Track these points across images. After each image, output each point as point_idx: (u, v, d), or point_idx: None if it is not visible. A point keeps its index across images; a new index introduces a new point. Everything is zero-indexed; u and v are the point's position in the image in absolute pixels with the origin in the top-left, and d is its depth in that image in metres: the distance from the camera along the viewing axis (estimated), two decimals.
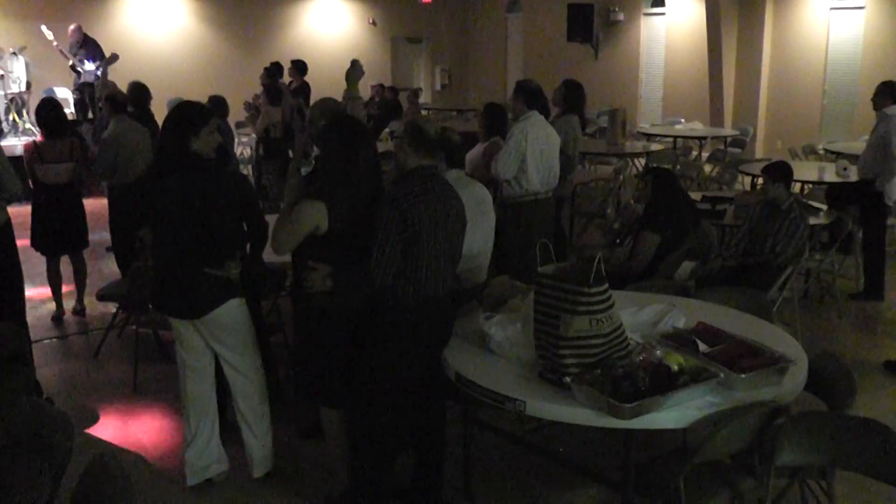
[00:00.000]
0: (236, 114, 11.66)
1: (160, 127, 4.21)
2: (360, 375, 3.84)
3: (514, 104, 6.61)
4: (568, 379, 3.12)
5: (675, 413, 3.03)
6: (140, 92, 8.86)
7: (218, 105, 9.30)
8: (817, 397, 3.60)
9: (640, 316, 3.90)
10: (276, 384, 4.96)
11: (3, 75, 13.97)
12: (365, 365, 3.82)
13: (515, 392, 3.24)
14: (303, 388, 4.12)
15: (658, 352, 3.24)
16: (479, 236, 4.83)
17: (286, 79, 12.72)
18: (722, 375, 3.14)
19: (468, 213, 4.03)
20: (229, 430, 4.66)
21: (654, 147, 12.29)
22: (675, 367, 3.13)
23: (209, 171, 4.07)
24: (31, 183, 7.06)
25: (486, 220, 4.99)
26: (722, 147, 12.78)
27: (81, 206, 7.37)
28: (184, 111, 4.11)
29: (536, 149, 6.29)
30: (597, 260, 3.17)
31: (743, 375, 3.16)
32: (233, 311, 4.17)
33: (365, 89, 15.28)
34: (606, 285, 3.23)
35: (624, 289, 4.69)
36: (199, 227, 4.00)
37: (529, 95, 6.50)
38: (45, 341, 6.92)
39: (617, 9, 17.15)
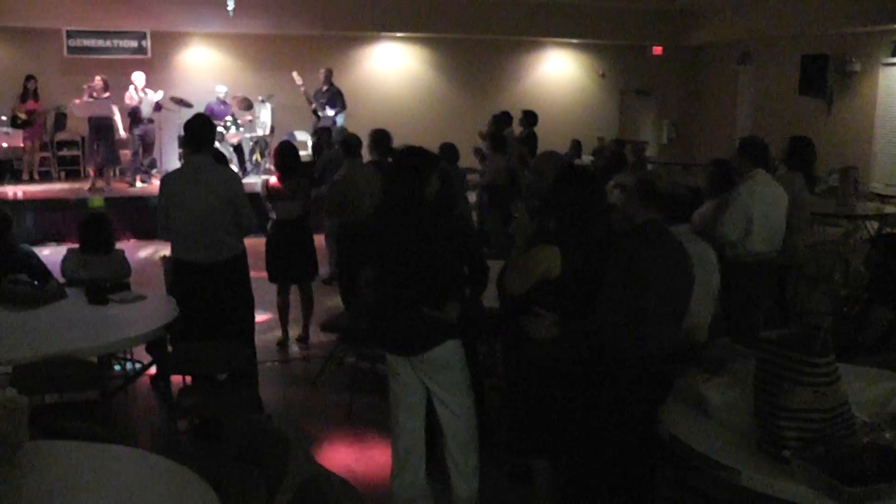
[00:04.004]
0: (465, 159, 11.92)
1: (390, 170, 4.40)
2: (575, 427, 3.83)
3: (739, 161, 6.45)
4: (787, 453, 3.00)
5: None
6: (384, 138, 9.25)
7: (449, 151, 9.62)
8: None
9: (868, 393, 3.68)
10: (488, 426, 5.01)
11: (251, 120, 15.10)
12: (580, 417, 3.80)
13: (730, 460, 3.15)
14: (513, 438, 4.15)
15: (887, 434, 3.05)
16: (701, 295, 4.72)
17: (515, 128, 12.94)
18: None
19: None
20: (437, 468, 4.74)
21: (889, 209, 11.55)
22: None
23: (434, 214, 4.22)
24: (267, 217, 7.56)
25: (710, 278, 4.88)
26: None
27: (311, 241, 7.79)
28: (415, 157, 4.28)
29: (762, 208, 6.11)
30: (823, 329, 3.05)
31: None
32: (449, 351, 4.26)
33: (591, 140, 15.36)
34: (833, 357, 3.09)
35: (851, 362, 4.46)
36: (422, 268, 4.14)
37: (755, 153, 6.34)
38: (269, 364, 7.30)
39: (854, 59, 16.32)
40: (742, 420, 3.42)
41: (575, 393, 3.84)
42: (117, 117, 13.98)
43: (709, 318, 4.89)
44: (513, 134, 12.22)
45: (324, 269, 8.65)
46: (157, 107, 14.36)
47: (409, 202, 4.19)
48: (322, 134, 12.77)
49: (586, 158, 14.27)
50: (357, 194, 7.78)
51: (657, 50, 19.70)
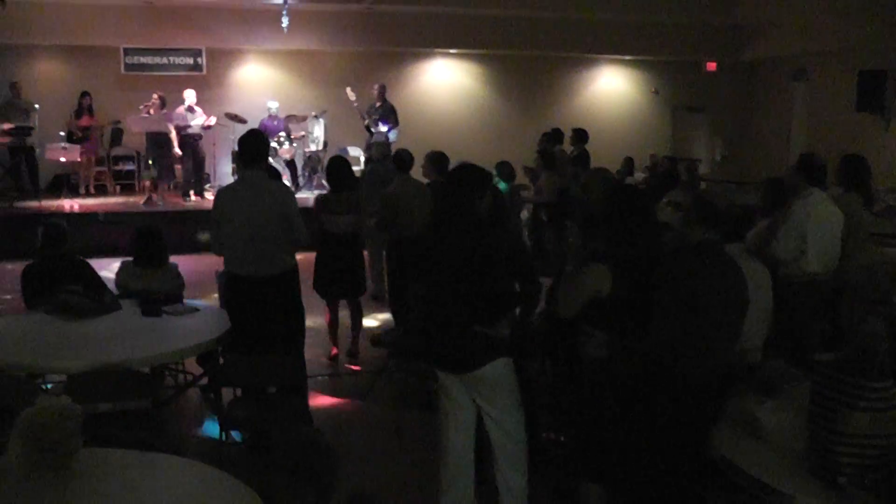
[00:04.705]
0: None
1: (443, 187, 4.41)
2: (626, 448, 3.79)
3: (794, 179, 6.35)
4: (843, 479, 2.94)
5: None
6: (441, 159, 9.29)
7: (505, 170, 9.66)
8: None
9: None
10: (538, 446, 4.98)
11: (304, 136, 15.25)
12: (632, 437, 3.76)
13: (784, 485, 3.09)
14: (566, 459, 4.12)
15: None
16: (755, 315, 4.66)
17: (566, 146, 12.90)
18: None
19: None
20: (485, 486, 4.72)
21: None
22: None
23: (487, 231, 4.21)
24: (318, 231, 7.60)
25: (763, 299, 4.82)
26: None
27: (361, 256, 7.83)
28: (470, 174, 4.29)
29: (818, 228, 6.01)
30: (880, 353, 2.99)
31: None
32: (500, 369, 4.24)
33: (644, 158, 15.27)
34: (890, 381, 3.03)
35: None
36: (474, 285, 4.13)
37: (812, 171, 6.24)
38: (319, 377, 7.33)
39: None
40: (796, 444, 3.36)
41: (626, 413, 3.80)
42: (172, 134, 14.23)
43: (762, 339, 4.84)
44: (564, 151, 12.18)
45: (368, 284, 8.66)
46: (206, 127, 14.55)
47: (462, 219, 4.21)
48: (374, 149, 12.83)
49: (638, 176, 14.19)
50: (407, 210, 7.80)
51: (711, 66, 19.51)
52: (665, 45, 18.52)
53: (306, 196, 14.21)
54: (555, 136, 12.57)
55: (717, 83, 20.00)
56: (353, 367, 7.72)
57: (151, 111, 14.11)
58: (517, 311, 4.42)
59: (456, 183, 4.30)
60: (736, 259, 4.10)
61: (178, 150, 14.27)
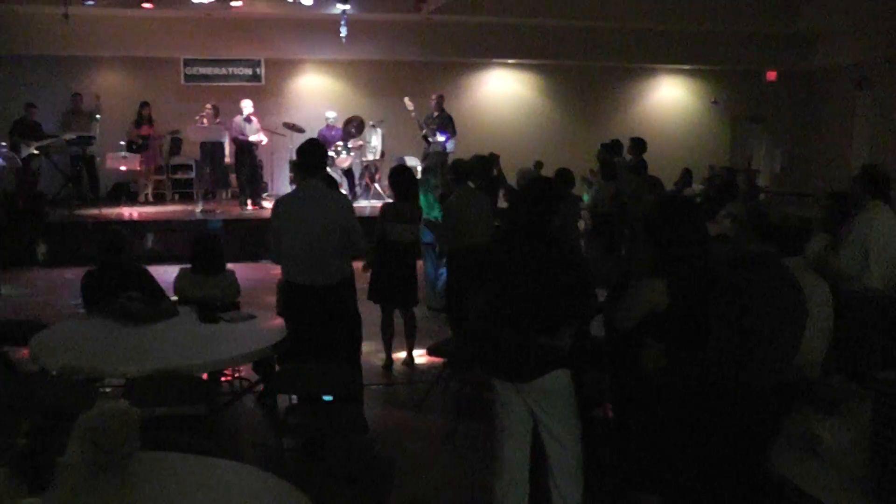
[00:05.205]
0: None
1: (517, 198, 4.42)
2: (684, 462, 3.74)
3: (857, 191, 6.22)
4: None
5: None
6: (485, 163, 9.31)
7: (565, 177, 9.62)
8: None
9: None
10: (593, 459, 4.93)
11: (362, 145, 15.36)
12: (690, 451, 3.71)
13: None
14: (624, 472, 4.07)
15: None
16: (814, 331, 4.57)
17: (627, 156, 12.83)
18: None
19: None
20: (540, 497, 4.69)
21: None
22: None
23: (553, 243, 4.22)
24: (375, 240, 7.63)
25: (823, 314, 4.72)
26: None
27: (416, 266, 7.84)
28: (545, 188, 4.31)
29: (881, 242, 5.89)
30: None
31: None
32: (559, 380, 4.23)
33: (702, 169, 15.12)
34: None
35: None
36: (540, 296, 4.13)
37: (875, 183, 6.10)
38: (374, 386, 7.35)
39: None
40: (857, 463, 3.28)
41: (685, 426, 3.75)
42: (226, 143, 14.44)
43: (822, 355, 4.74)
44: (624, 162, 12.10)
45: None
46: (256, 143, 14.71)
47: (536, 232, 4.23)
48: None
49: (696, 187, 14.05)
50: (468, 220, 7.81)
51: (771, 75, 19.26)
52: (724, 54, 18.33)
53: (363, 205, 14.33)
54: (614, 146, 12.50)
55: (778, 93, 19.74)
56: (409, 377, 7.72)
57: (205, 121, 14.37)
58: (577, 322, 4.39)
59: (532, 197, 4.31)
60: (794, 273, 4.03)
61: (229, 159, 14.45)
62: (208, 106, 14.48)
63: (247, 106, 14.56)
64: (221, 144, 14.46)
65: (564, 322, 4.20)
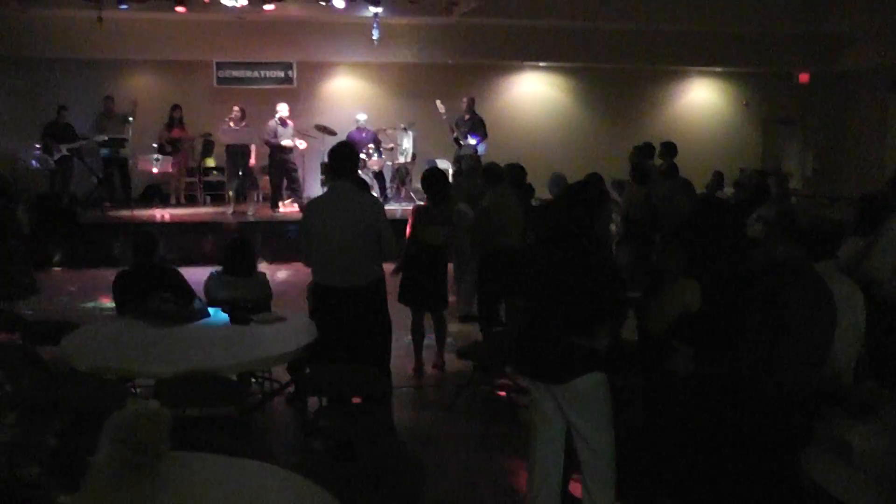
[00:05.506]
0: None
1: (561, 202, 4.42)
2: (711, 466, 3.70)
3: (890, 194, 6.13)
4: None
5: None
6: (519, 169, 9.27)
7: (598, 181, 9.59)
8: None
9: None
10: (624, 461, 4.89)
11: (392, 147, 15.38)
12: (718, 456, 3.67)
13: None
14: (651, 477, 4.04)
15: None
16: (846, 336, 4.50)
17: (656, 159, 12.75)
18: None
19: None
20: (571, 501, 4.66)
21: None
22: None
23: (591, 245, 4.20)
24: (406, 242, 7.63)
25: (855, 319, 4.64)
26: None
27: (447, 269, 7.82)
28: (589, 192, 4.31)
29: None
30: None
31: None
32: (594, 383, 4.21)
33: (734, 171, 14.98)
34: None
35: None
36: (579, 298, 4.12)
37: None
38: (404, 389, 7.32)
39: None
40: (890, 470, 3.23)
41: (715, 431, 3.71)
42: (252, 145, 14.52)
43: (854, 361, 4.66)
44: (654, 166, 12.02)
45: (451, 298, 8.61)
46: (289, 147, 14.75)
47: (578, 235, 4.23)
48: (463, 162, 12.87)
49: (727, 190, 13.93)
50: (501, 222, 7.76)
51: (804, 77, 19.07)
52: (756, 56, 18.18)
53: (394, 208, 14.34)
54: (646, 149, 12.41)
55: (810, 95, 19.53)
56: (439, 380, 7.70)
57: (232, 123, 14.43)
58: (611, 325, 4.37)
59: (575, 201, 4.30)
60: (826, 277, 3.97)
61: (254, 161, 14.49)
62: (236, 108, 14.54)
63: (282, 109, 14.57)
64: (247, 147, 14.52)
65: (601, 323, 4.18)
